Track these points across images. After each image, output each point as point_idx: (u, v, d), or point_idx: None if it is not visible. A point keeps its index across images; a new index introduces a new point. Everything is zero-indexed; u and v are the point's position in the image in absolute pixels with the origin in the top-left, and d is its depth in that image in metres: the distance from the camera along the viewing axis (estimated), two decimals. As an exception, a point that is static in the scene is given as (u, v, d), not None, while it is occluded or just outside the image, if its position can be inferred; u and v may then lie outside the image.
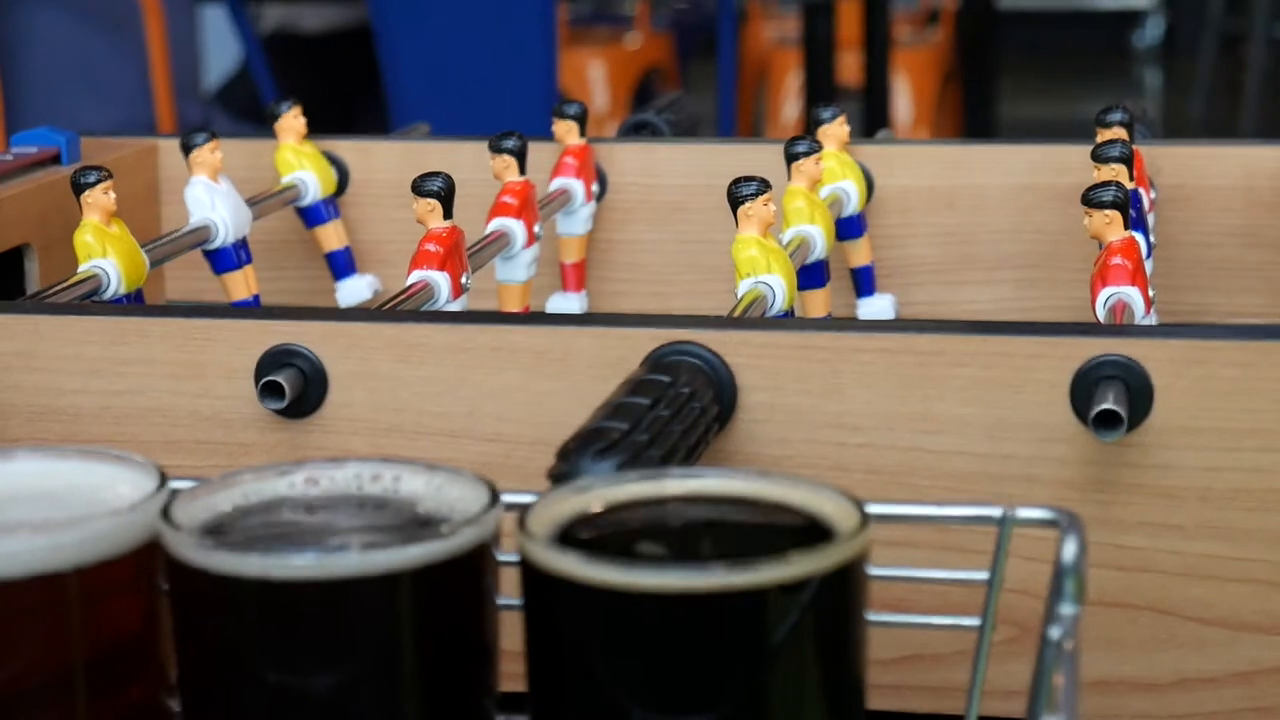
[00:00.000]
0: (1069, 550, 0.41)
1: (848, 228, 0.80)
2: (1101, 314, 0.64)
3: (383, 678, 0.40)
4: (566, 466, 0.47)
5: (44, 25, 1.92)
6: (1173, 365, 0.53)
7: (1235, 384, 0.52)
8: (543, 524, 0.40)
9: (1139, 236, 0.68)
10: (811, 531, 0.40)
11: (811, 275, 0.73)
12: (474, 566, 0.40)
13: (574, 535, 0.40)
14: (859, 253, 0.82)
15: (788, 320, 0.64)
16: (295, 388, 0.56)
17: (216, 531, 0.41)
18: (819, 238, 0.73)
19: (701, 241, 0.84)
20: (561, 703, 0.39)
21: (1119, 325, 0.61)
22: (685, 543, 0.41)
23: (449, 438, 0.56)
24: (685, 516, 0.42)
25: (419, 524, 0.41)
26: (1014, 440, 0.54)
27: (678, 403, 0.51)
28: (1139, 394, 0.52)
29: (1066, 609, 0.40)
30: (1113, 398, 0.52)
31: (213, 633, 0.40)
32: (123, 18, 1.90)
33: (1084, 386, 0.53)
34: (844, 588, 0.39)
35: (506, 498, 0.41)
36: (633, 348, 0.55)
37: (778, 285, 0.65)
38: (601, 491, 0.42)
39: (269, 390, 0.56)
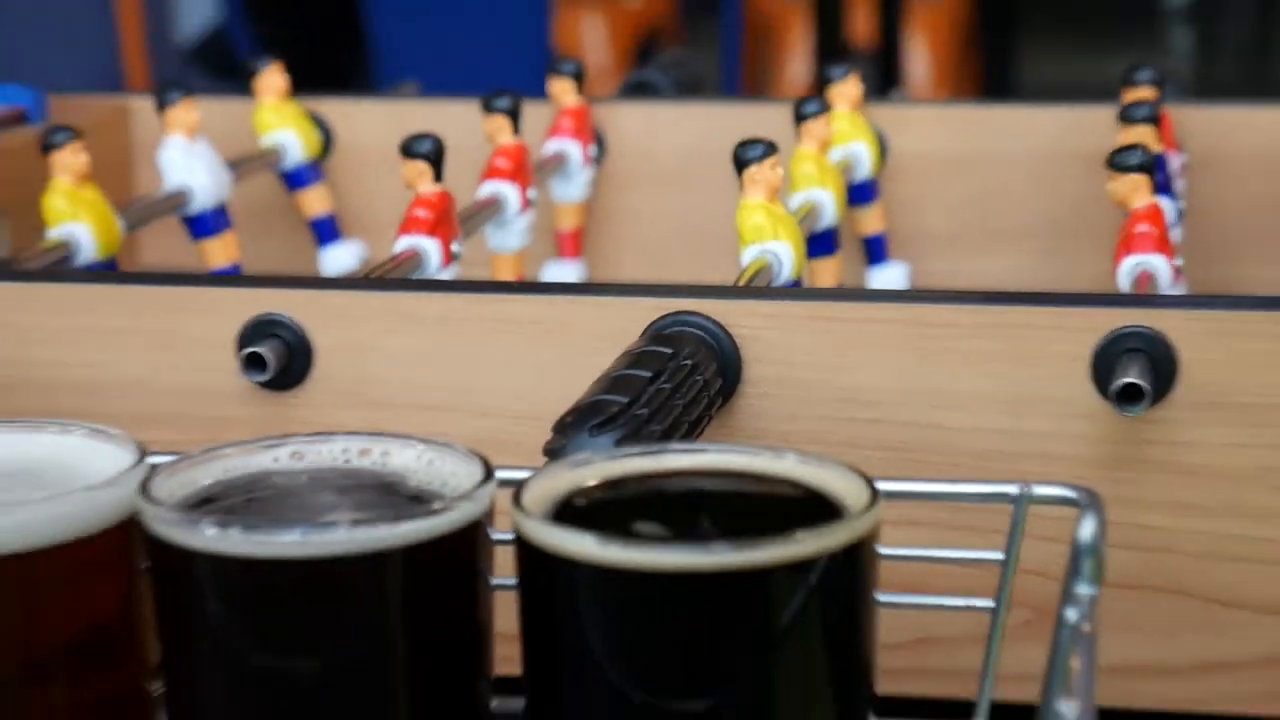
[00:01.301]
0: (1087, 530, 0.42)
1: (859, 193, 0.80)
2: (1125, 284, 0.65)
3: (372, 660, 0.40)
4: (563, 441, 0.47)
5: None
6: (1199, 337, 0.53)
7: (1266, 358, 0.53)
8: (538, 500, 0.40)
9: (1166, 202, 0.68)
10: (819, 509, 0.40)
11: (821, 243, 0.74)
12: (467, 544, 0.41)
13: (571, 512, 0.40)
14: (871, 220, 0.82)
15: (795, 289, 0.64)
16: (279, 359, 0.57)
17: (198, 508, 0.41)
18: (829, 203, 0.73)
19: (705, 207, 0.85)
20: (558, 686, 0.40)
21: (1143, 295, 0.61)
22: (687, 520, 0.41)
23: (440, 412, 0.57)
24: (687, 493, 0.42)
25: (410, 500, 0.42)
26: (1032, 416, 0.54)
27: (680, 375, 0.51)
28: (1163, 367, 0.53)
29: (1084, 590, 0.40)
30: (1136, 371, 0.52)
31: (195, 614, 0.40)
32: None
33: (1106, 360, 0.53)
34: (853, 568, 0.39)
35: (501, 473, 0.42)
36: (632, 318, 0.55)
37: (785, 253, 0.65)
38: (599, 466, 0.42)
39: (251, 362, 0.57)
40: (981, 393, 0.54)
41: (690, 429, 0.51)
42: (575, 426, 0.47)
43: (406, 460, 0.43)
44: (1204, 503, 0.54)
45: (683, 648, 0.38)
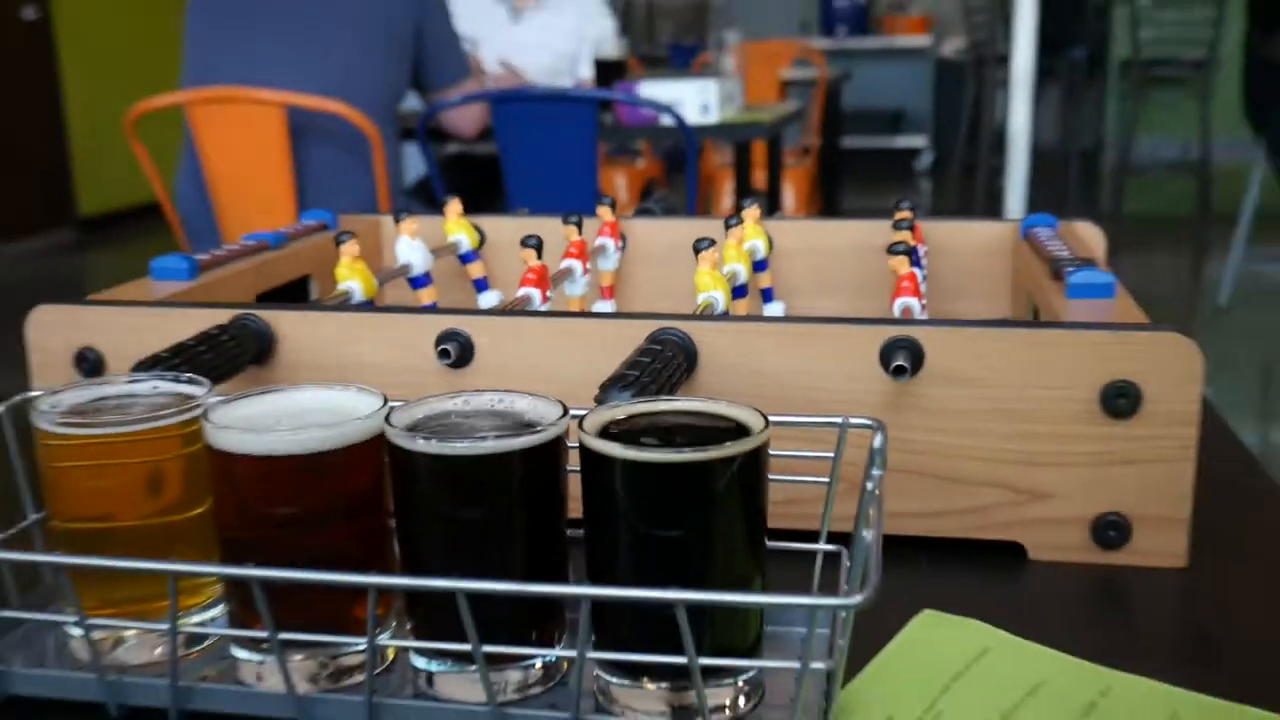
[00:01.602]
0: (877, 440, 0.41)
1: (759, 266, 0.80)
2: (897, 313, 0.64)
3: (506, 509, 0.40)
4: (604, 394, 0.47)
5: (319, 155, 1.92)
6: (936, 340, 0.52)
7: (960, 352, 0.52)
8: (591, 425, 0.40)
9: (918, 271, 0.68)
10: (738, 430, 0.40)
11: (739, 292, 0.73)
12: (554, 449, 0.40)
13: (609, 431, 0.40)
14: (764, 279, 0.82)
15: (725, 316, 0.64)
16: (456, 352, 0.56)
17: (415, 429, 0.41)
18: (742, 271, 0.72)
19: (678, 274, 0.84)
20: (599, 523, 0.40)
21: (906, 319, 0.60)
22: (669, 435, 0.41)
23: (542, 379, 0.56)
24: (669, 421, 0.42)
25: (525, 425, 0.41)
26: (850, 380, 0.53)
27: (664, 360, 0.51)
28: (916, 356, 0.52)
29: (876, 472, 0.40)
30: (902, 358, 0.52)
31: (411, 485, 0.40)
32: (363, 147, 1.90)
33: (887, 353, 0.53)
34: (756, 461, 0.39)
35: (573, 411, 0.42)
36: (640, 331, 0.55)
37: (720, 298, 0.64)
38: (624, 408, 0.42)
39: (442, 354, 0.56)
40: (823, 369, 0.54)
41: (671, 390, 0.50)
42: (610, 387, 0.47)
43: (523, 405, 0.43)
44: (938, 427, 0.53)
45: (666, 502, 0.38)
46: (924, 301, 0.66)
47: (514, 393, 0.43)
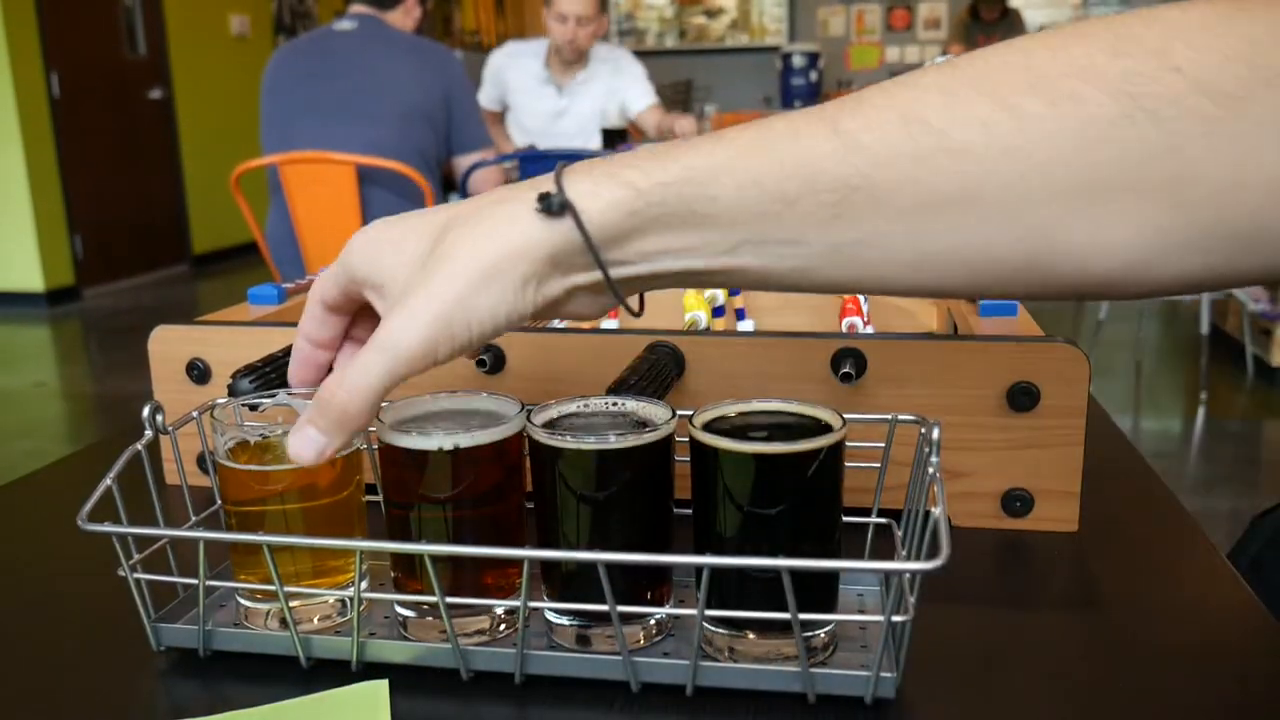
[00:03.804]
0: (935, 433, 0.39)
1: (733, 292, 0.79)
2: (844, 329, 0.64)
3: (630, 491, 0.39)
4: (609, 394, 0.46)
5: (381, 202, 1.92)
6: (876, 350, 0.52)
7: (903, 358, 0.52)
8: (700, 420, 0.39)
9: (861, 297, 0.67)
10: (822, 427, 0.39)
11: (717, 311, 0.72)
12: (666, 443, 0.39)
13: (715, 427, 0.39)
14: (738, 302, 0.81)
15: (707, 331, 0.63)
16: (491, 361, 0.56)
17: (550, 426, 0.40)
18: (720, 295, 0.72)
19: (670, 296, 0.84)
20: (705, 503, 0.38)
21: (851, 334, 0.60)
22: (765, 430, 0.39)
23: (560, 383, 0.55)
24: (764, 421, 0.40)
25: (640, 424, 0.40)
26: (807, 383, 0.53)
27: (659, 367, 0.51)
28: (860, 363, 0.52)
29: (935, 459, 0.39)
30: (849, 365, 0.51)
31: (547, 470, 0.39)
32: (416, 195, 1.91)
33: (837, 360, 0.52)
34: (836, 452, 0.38)
35: (679, 411, 0.40)
36: (639, 343, 0.54)
37: (702, 316, 0.64)
38: (732, 407, 0.40)
39: (479, 363, 0.56)
40: (785, 374, 0.53)
41: (664, 391, 0.49)
42: (615, 388, 0.46)
43: (633, 405, 0.42)
44: (872, 412, 0.52)
45: (765, 484, 0.37)
46: (867, 319, 0.65)
47: (622, 395, 0.42)
